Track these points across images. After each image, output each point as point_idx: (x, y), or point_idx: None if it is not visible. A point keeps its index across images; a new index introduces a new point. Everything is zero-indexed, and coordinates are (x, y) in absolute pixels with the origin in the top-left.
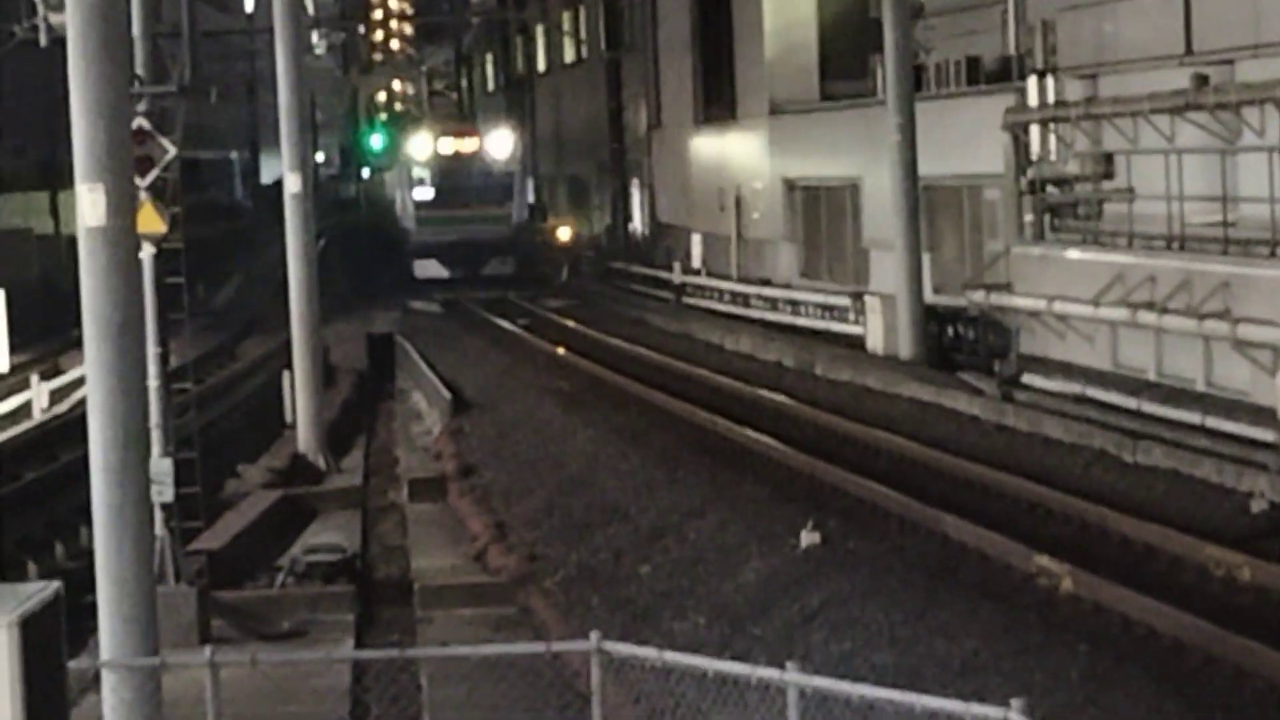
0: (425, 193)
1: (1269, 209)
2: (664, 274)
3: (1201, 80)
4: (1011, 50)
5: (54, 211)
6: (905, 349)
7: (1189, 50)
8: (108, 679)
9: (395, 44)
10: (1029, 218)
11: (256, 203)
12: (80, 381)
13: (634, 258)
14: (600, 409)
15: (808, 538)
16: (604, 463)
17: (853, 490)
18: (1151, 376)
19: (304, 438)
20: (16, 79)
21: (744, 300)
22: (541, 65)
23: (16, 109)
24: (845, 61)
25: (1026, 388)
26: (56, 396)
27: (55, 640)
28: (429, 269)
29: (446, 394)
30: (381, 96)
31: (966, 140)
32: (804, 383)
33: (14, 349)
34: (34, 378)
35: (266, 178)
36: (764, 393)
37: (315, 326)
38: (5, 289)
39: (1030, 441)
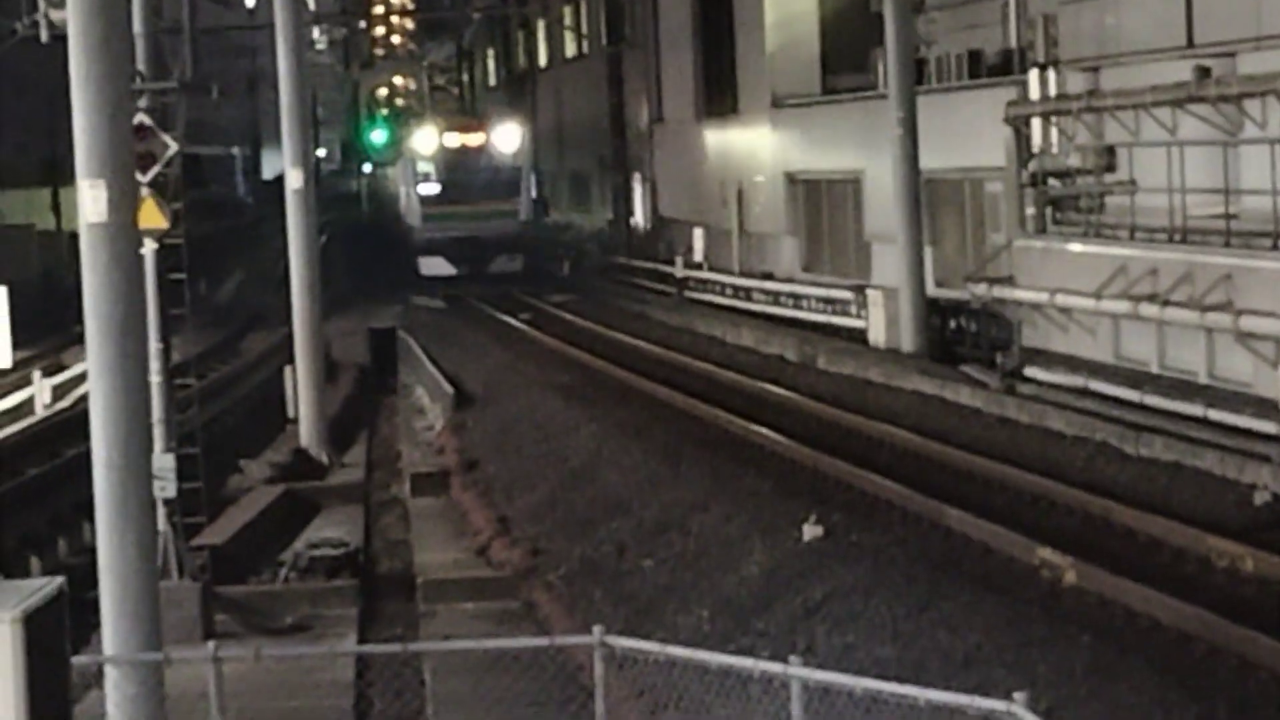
0: (431, 188)
1: (1271, 201)
2: (666, 268)
3: (1203, 72)
4: (1013, 43)
5: (56, 208)
6: (907, 342)
7: (1190, 43)
8: (111, 675)
9: (396, 39)
10: (1031, 211)
11: (258, 198)
12: (82, 377)
13: (636, 252)
14: (603, 403)
15: (810, 531)
16: (606, 457)
17: (855, 483)
18: (1154, 369)
19: (306, 433)
20: (17, 75)
21: (746, 294)
22: (543, 60)
23: (18, 105)
24: (847, 55)
25: (1029, 380)
26: (59, 392)
27: (59, 636)
28: (435, 266)
29: (449, 388)
30: (383, 92)
31: (968, 133)
32: (806, 376)
33: (16, 345)
34: (36, 374)
35: (268, 173)
36: (766, 386)
37: (317, 322)
38: (7, 285)
39: (1033, 434)
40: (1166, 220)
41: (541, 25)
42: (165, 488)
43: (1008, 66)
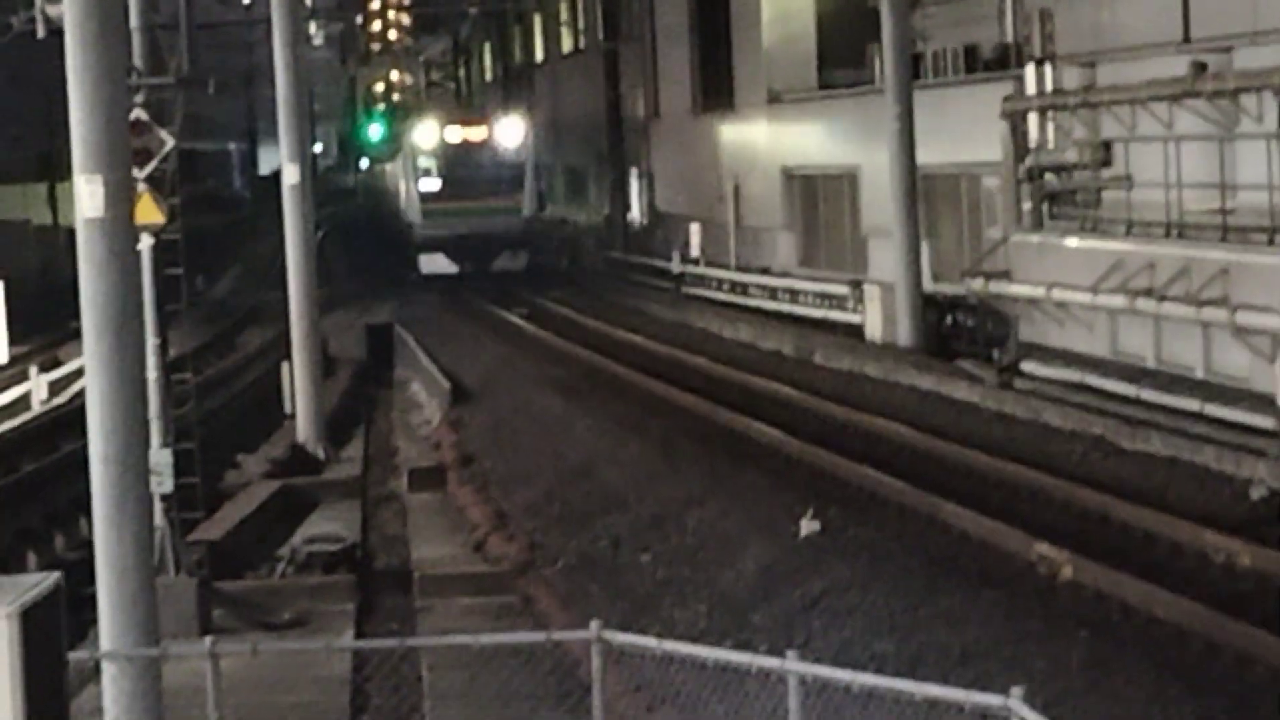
0: (431, 184)
1: (1267, 196)
2: (663, 263)
3: (1200, 67)
4: (1009, 38)
5: (52, 203)
6: (904, 337)
7: (1187, 38)
8: (108, 670)
9: (393, 34)
10: (1027, 206)
11: (255, 194)
12: (79, 373)
13: (633, 247)
14: (599, 398)
15: (807, 525)
16: (603, 452)
17: (852, 478)
18: (1150, 363)
19: (303, 428)
20: (14, 70)
21: (743, 289)
22: (540, 55)
23: (14, 100)
24: (843, 50)
25: (1025, 375)
26: (55, 388)
27: (56, 631)
28: (436, 264)
29: (445, 383)
30: (379, 87)
31: (965, 129)
32: (803, 371)
33: (13, 340)
34: (33, 369)
35: (265, 169)
36: (763, 381)
37: (314, 317)
38: (4, 281)
39: (1029, 429)
40: (1163, 215)
41: (538, 20)
42: (162, 483)
43: (1004, 61)
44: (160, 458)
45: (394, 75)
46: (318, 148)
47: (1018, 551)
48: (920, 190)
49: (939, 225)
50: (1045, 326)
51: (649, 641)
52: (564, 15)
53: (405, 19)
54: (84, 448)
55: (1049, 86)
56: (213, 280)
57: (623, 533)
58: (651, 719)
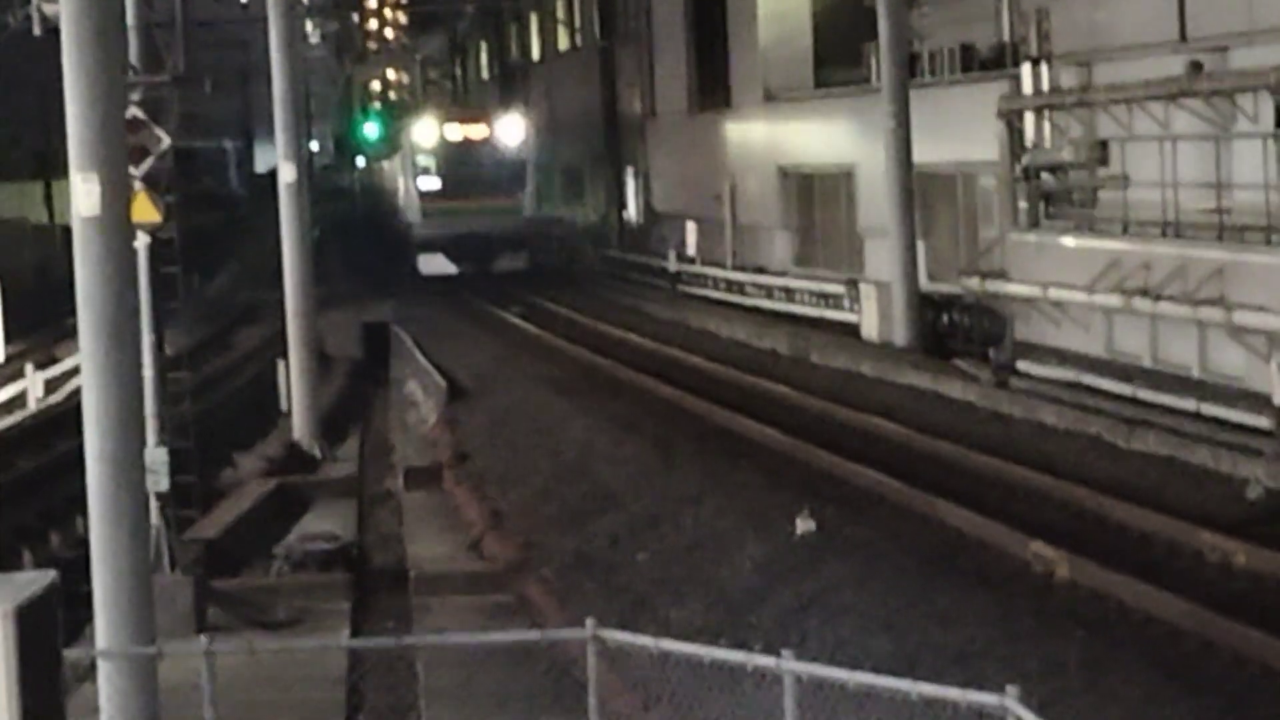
0: (431, 182)
1: (1263, 195)
2: (659, 262)
3: (1196, 67)
4: (1006, 37)
5: (49, 201)
6: (900, 336)
7: (1183, 37)
8: (104, 668)
9: (389, 33)
10: (1024, 205)
11: (251, 192)
12: (75, 371)
13: (629, 246)
14: (596, 397)
15: (803, 524)
16: (599, 450)
17: (848, 477)
18: (1147, 363)
19: (299, 426)
20: (10, 69)
21: (739, 288)
22: (536, 54)
23: (10, 99)
24: (840, 49)
25: (1022, 374)
26: (51, 386)
27: (51, 629)
28: (435, 264)
29: (441, 382)
30: (376, 85)
31: (961, 128)
32: (799, 370)
33: (9, 338)
34: (29, 367)
35: (261, 167)
36: (759, 380)
37: (310, 315)
38: (1, 279)
39: (1025, 428)
40: (1159, 214)
41: (534, 19)
42: (158, 481)
43: (1001, 61)
44: (156, 456)
45: (390, 74)
46: (314, 146)
47: (1013, 551)
48: (916, 189)
49: (935, 224)
50: (1041, 326)
51: (645, 640)
52: (560, 13)
53: (402, 17)
54: (80, 446)
55: (1045, 86)
56: (209, 279)
57: (619, 531)
58: (647, 718)
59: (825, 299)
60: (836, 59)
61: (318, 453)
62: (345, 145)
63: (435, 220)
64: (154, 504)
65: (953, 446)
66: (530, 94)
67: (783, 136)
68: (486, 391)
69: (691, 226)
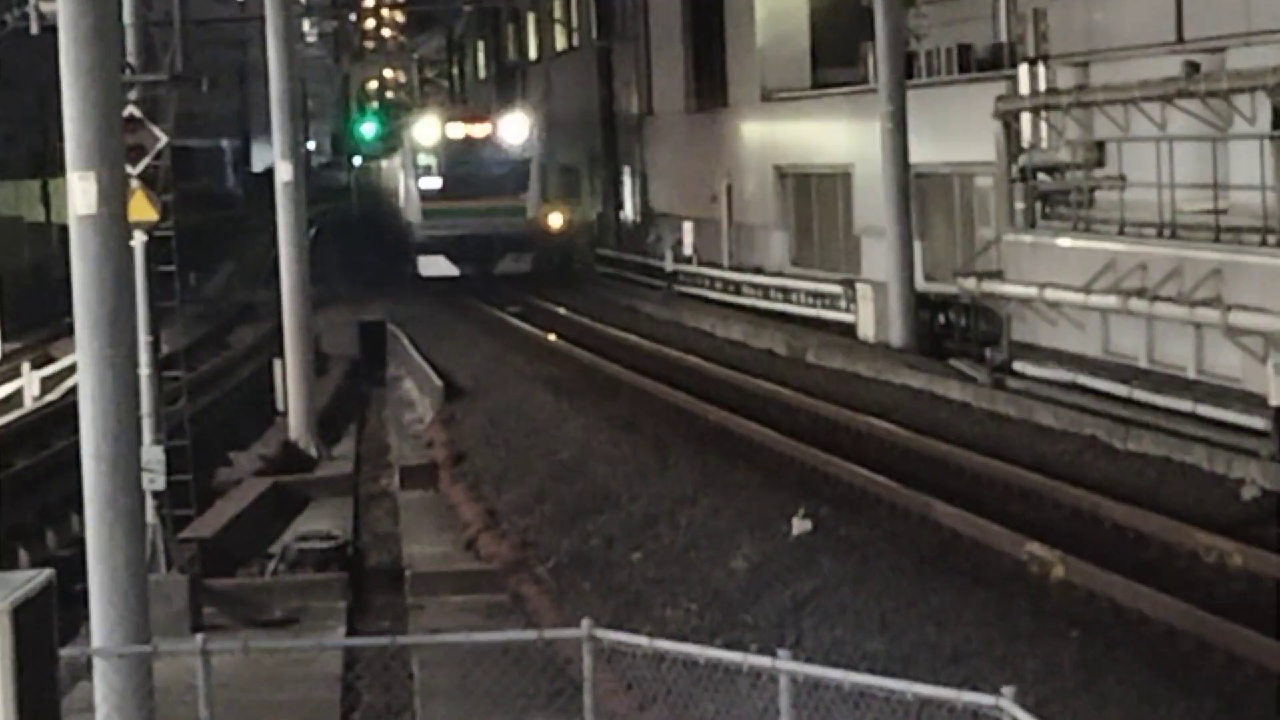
0: (432, 182)
1: (1260, 196)
2: (656, 262)
3: (1193, 68)
4: (1003, 38)
5: (45, 200)
6: (897, 336)
7: (1180, 38)
8: (99, 667)
9: (386, 32)
10: (1020, 205)
11: (248, 191)
12: (72, 369)
13: (626, 245)
14: (592, 396)
15: (799, 524)
16: (595, 450)
17: (844, 477)
18: (1143, 364)
19: (295, 425)
20: (8, 67)
21: (735, 288)
22: (533, 53)
23: (8, 97)
24: (837, 49)
25: (1018, 375)
26: (48, 384)
27: (47, 628)
28: (436, 266)
29: (438, 381)
30: (373, 85)
31: (958, 128)
32: (795, 370)
33: (5, 337)
34: (25, 366)
35: (258, 166)
36: (756, 380)
37: (307, 314)
38: None
39: (1021, 428)
40: (1156, 215)
41: (532, 18)
42: (154, 480)
43: (998, 61)
44: (152, 455)
45: (387, 73)
46: (311, 145)
47: (1009, 551)
48: (913, 189)
49: (932, 224)
50: (1038, 326)
51: (640, 640)
52: (558, 13)
53: (399, 16)
54: (76, 444)
55: (1042, 86)
56: (206, 278)
57: (615, 531)
58: (643, 718)
59: (822, 299)
60: (834, 59)
61: (314, 452)
62: (342, 144)
63: (436, 221)
64: (150, 503)
65: (949, 447)
66: (527, 93)
67: (780, 136)
68: (483, 391)
69: (688, 226)
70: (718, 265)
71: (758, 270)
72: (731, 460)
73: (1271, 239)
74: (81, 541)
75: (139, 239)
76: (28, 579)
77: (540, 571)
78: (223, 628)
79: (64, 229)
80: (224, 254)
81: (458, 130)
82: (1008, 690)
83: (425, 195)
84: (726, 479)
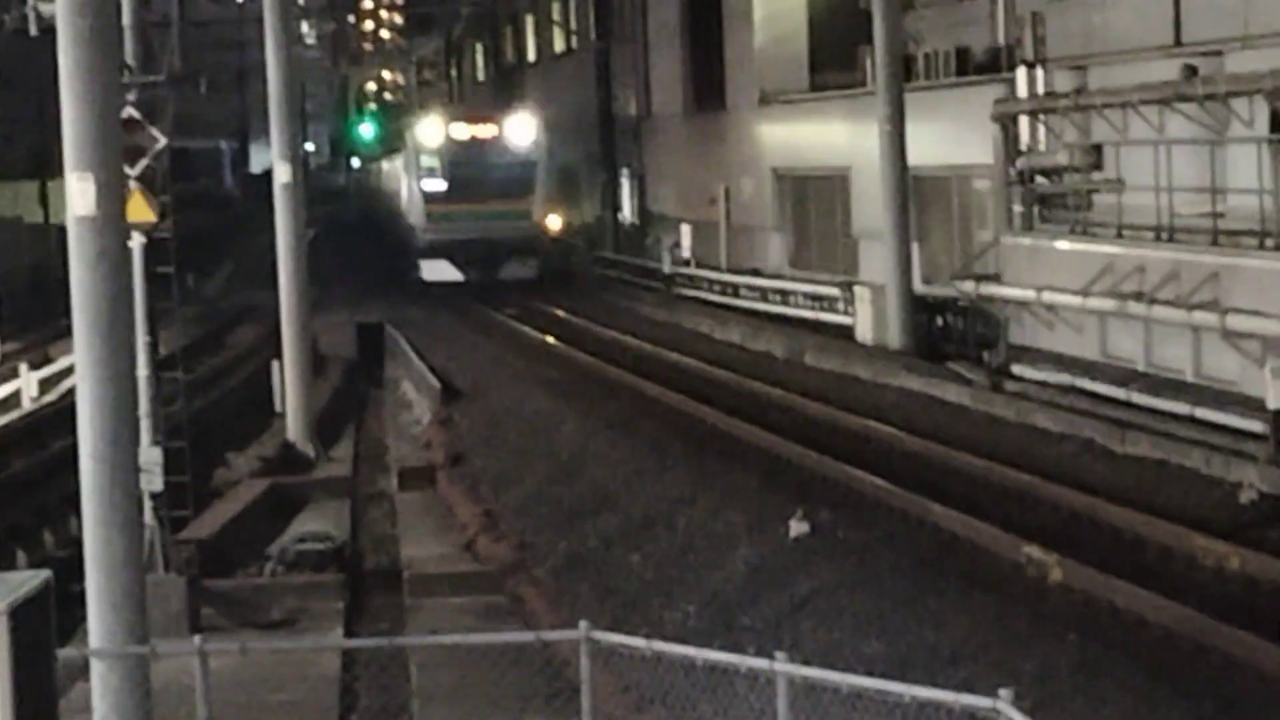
0: (436, 184)
1: (1257, 200)
2: (654, 264)
3: (1190, 71)
4: (1001, 41)
5: (44, 201)
6: (894, 339)
7: (1178, 41)
8: (97, 667)
9: (385, 34)
10: (1018, 208)
11: (246, 192)
12: (70, 370)
13: (624, 248)
14: (590, 398)
15: (797, 527)
16: (593, 452)
17: (842, 479)
18: (1140, 367)
19: (293, 426)
20: (6, 69)
21: (734, 290)
22: (531, 55)
23: (6, 99)
24: (835, 52)
25: (1015, 378)
26: (46, 385)
27: (45, 629)
28: (439, 271)
29: (436, 383)
30: (371, 86)
31: (956, 131)
32: (793, 372)
33: (3, 338)
34: (23, 367)
35: (256, 167)
36: (753, 382)
37: (305, 316)
38: None
39: (1019, 431)
40: (1154, 219)
41: (530, 20)
42: (152, 481)
43: (996, 64)
44: (150, 456)
45: (386, 75)
46: (310, 146)
47: (1007, 554)
48: (911, 192)
49: (930, 227)
50: (1035, 329)
51: (638, 642)
52: (556, 15)
53: (397, 18)
54: (74, 445)
55: (1040, 89)
56: (204, 279)
57: (612, 533)
58: (640, 719)
59: (820, 301)
60: (832, 62)
61: (312, 453)
62: (340, 146)
63: (440, 224)
64: (148, 504)
65: (946, 449)
66: (526, 95)
67: (778, 139)
68: (481, 392)
69: (686, 228)
70: (716, 267)
71: (756, 273)
72: (729, 462)
73: (1269, 242)
74: (79, 542)
75: (137, 240)
76: (26, 580)
77: (538, 573)
78: (220, 629)
79: (63, 230)
80: (222, 255)
81: (463, 131)
82: (1005, 693)
83: (429, 198)
84: (724, 481)
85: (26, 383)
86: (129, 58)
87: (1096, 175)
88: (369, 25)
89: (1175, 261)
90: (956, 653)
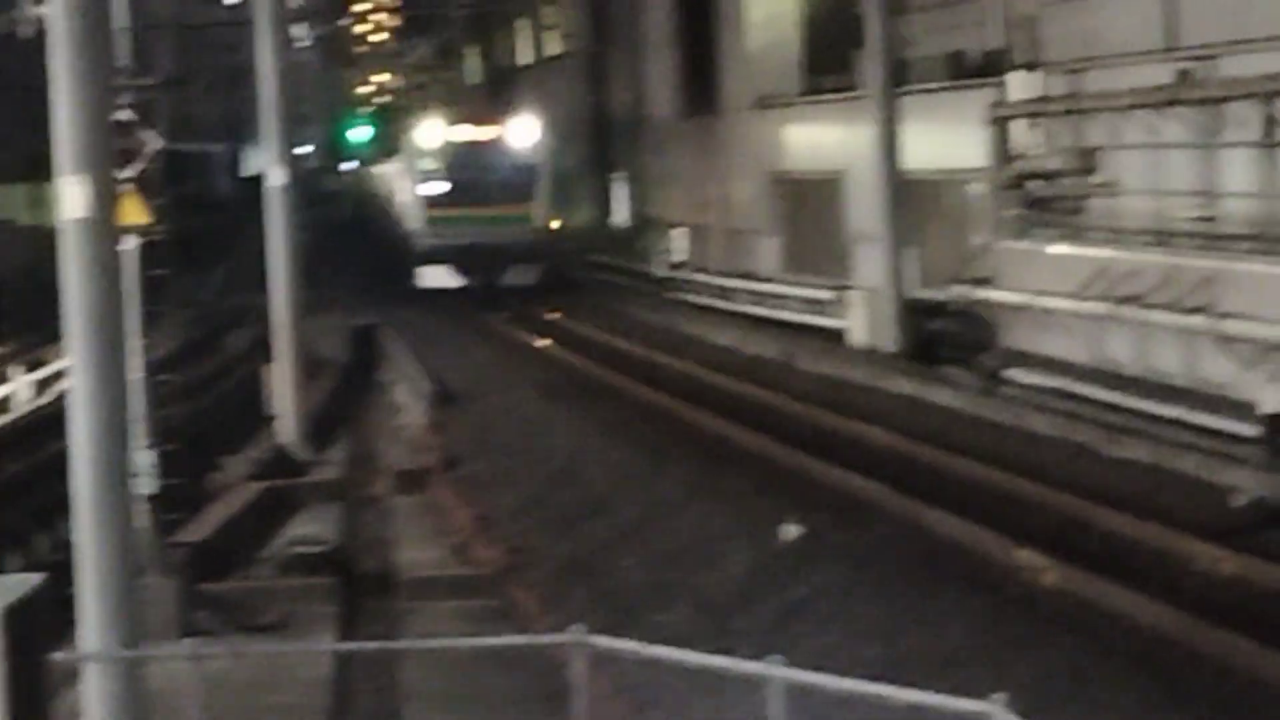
0: (435, 188)
1: (1252, 204)
2: (647, 268)
3: (1184, 75)
4: (995, 45)
5: (37, 203)
6: (888, 343)
7: (1172, 45)
8: (89, 672)
9: (378, 37)
10: (1012, 212)
11: (239, 195)
12: (63, 373)
13: (617, 251)
14: (583, 402)
15: (790, 530)
16: (587, 455)
17: (836, 483)
18: (1134, 371)
19: (287, 430)
20: None
21: (727, 294)
22: (525, 58)
23: None
24: (828, 55)
25: (1009, 382)
26: (39, 388)
27: (40, 632)
28: (437, 277)
29: (430, 386)
30: (365, 89)
31: (950, 134)
32: (787, 376)
33: None
34: (16, 369)
35: (250, 170)
36: (748, 386)
37: (298, 319)
38: None
39: (1013, 435)
40: (1148, 223)
41: (524, 24)
42: (144, 484)
43: (990, 68)
44: (143, 459)
45: (379, 78)
46: (303, 149)
47: (1000, 558)
48: (905, 196)
49: (924, 231)
50: (1029, 333)
51: (632, 646)
52: (550, 19)
53: (392, 21)
54: (67, 448)
55: (1034, 93)
56: (197, 281)
57: (606, 536)
58: None
59: (814, 305)
60: (825, 65)
61: (306, 456)
62: (334, 149)
63: (439, 229)
64: (141, 507)
65: (940, 453)
66: (520, 99)
67: (772, 142)
68: (475, 396)
69: (680, 232)
70: (710, 271)
71: (749, 276)
72: (723, 466)
73: (1262, 247)
74: (71, 546)
75: (130, 243)
76: (21, 583)
77: (532, 577)
78: (213, 632)
79: (55, 232)
80: (216, 258)
81: (463, 133)
82: (999, 697)
83: (428, 202)
84: (718, 485)
85: (19, 385)
86: (122, 61)
87: (1090, 179)
88: (363, 28)
89: (1169, 266)
90: (950, 656)
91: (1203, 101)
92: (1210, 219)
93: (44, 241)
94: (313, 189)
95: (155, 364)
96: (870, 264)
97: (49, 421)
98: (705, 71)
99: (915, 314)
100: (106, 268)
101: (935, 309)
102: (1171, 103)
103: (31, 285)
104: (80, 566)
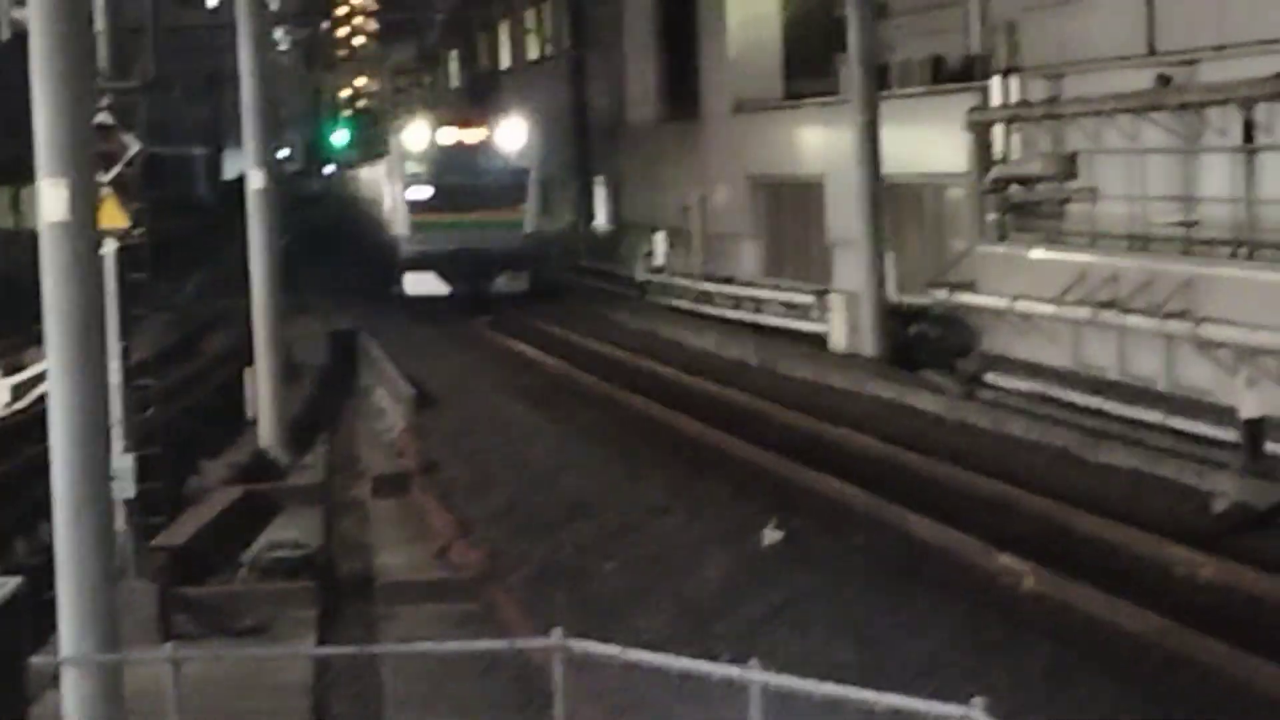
0: (421, 192)
1: (1231, 209)
2: (627, 271)
3: (1164, 80)
4: (976, 50)
5: (16, 206)
6: (868, 347)
7: (1152, 50)
8: (68, 675)
9: (359, 40)
10: (992, 217)
11: (219, 199)
12: (41, 377)
13: (597, 255)
14: (563, 406)
15: (771, 535)
16: (567, 460)
17: (816, 488)
18: (1114, 376)
19: (266, 434)
20: None
21: (708, 298)
22: (505, 62)
23: None
24: (809, 59)
25: (989, 386)
26: (17, 392)
27: (16, 636)
28: (423, 284)
29: (409, 390)
30: (345, 93)
31: (930, 139)
32: (767, 380)
33: None
34: None
35: (230, 173)
36: (728, 390)
37: (278, 323)
38: None
39: (993, 440)
40: (1128, 227)
41: (504, 27)
42: (124, 488)
43: (970, 73)
44: (122, 463)
45: (360, 81)
46: (284, 153)
47: (980, 562)
48: (885, 200)
49: (904, 235)
50: (1009, 338)
51: (612, 650)
52: (530, 23)
53: (371, 25)
54: (46, 452)
55: (1015, 98)
56: (176, 285)
57: (586, 541)
58: None
59: (794, 309)
60: (806, 70)
61: (284, 460)
62: (315, 152)
63: (426, 234)
64: (120, 511)
65: (920, 458)
66: (500, 103)
67: (752, 147)
68: (455, 400)
69: (660, 236)
70: (690, 275)
71: (730, 280)
72: (703, 470)
73: (1242, 251)
74: (50, 549)
75: (109, 246)
76: None
77: (512, 581)
78: (192, 636)
79: (34, 235)
80: (195, 262)
81: (451, 135)
82: (978, 701)
83: (414, 206)
84: (698, 489)
85: None
86: (102, 64)
87: (1070, 184)
88: (343, 32)
89: (1149, 270)
90: (930, 661)
91: (1182, 107)
92: (1190, 224)
93: (23, 245)
94: (295, 193)
95: (135, 367)
96: (851, 268)
97: (28, 425)
98: (686, 75)
99: (896, 318)
100: (86, 271)
101: (916, 313)
102: (1151, 108)
103: (10, 289)
104: (59, 570)
